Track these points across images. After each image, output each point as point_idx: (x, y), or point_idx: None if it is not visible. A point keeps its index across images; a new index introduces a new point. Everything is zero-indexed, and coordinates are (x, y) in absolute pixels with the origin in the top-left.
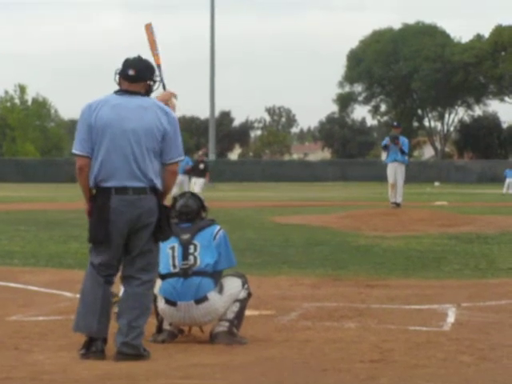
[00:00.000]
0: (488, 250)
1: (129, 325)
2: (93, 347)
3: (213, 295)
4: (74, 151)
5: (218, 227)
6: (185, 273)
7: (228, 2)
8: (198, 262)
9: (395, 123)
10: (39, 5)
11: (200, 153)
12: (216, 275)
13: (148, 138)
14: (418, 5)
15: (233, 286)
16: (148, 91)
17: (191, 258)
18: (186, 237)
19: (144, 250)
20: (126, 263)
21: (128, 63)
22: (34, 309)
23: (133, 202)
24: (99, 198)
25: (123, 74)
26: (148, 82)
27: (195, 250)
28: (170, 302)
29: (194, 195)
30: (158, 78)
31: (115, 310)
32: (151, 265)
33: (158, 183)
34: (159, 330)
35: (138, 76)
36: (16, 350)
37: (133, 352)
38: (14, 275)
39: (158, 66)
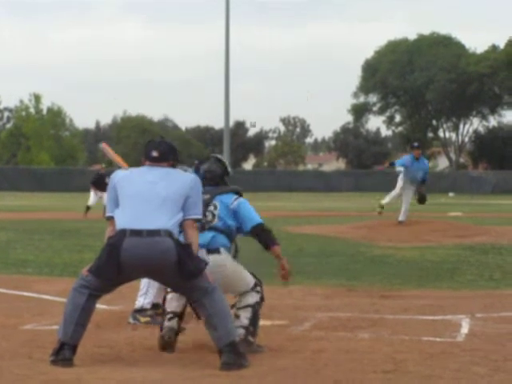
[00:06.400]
0: (502, 261)
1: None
2: (60, 355)
3: (225, 252)
4: None
5: (235, 196)
6: (202, 227)
7: (243, 13)
8: (216, 219)
9: (415, 144)
10: (56, 13)
11: (103, 165)
12: (232, 236)
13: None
14: (433, 16)
15: (247, 273)
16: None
17: (209, 214)
18: (206, 197)
19: (185, 288)
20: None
21: (151, 145)
22: (48, 318)
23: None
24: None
25: (147, 156)
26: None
27: (215, 208)
28: None
29: (218, 160)
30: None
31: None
32: (201, 290)
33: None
34: (162, 327)
35: (161, 157)
36: (30, 359)
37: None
38: (28, 284)
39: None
